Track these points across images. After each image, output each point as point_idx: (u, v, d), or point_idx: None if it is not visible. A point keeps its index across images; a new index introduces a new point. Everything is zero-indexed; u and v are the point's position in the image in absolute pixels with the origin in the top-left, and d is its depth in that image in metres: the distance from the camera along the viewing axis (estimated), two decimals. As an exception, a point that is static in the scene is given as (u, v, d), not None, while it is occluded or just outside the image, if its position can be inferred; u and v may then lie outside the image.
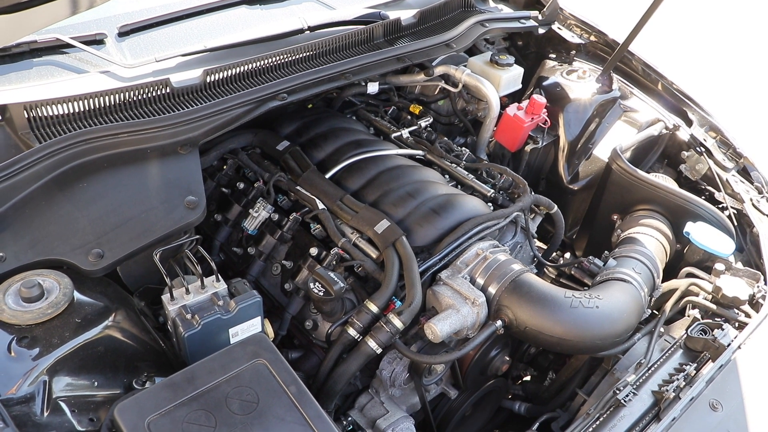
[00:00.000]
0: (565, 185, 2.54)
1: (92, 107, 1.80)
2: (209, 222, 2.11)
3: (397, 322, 1.70)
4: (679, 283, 2.07)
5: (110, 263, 1.58)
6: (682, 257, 2.21)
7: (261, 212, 1.99)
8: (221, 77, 1.95)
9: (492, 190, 2.15)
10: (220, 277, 1.63)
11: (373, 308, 1.73)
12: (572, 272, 2.16)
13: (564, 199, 2.56)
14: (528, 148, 2.48)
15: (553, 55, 2.77)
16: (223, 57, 2.04)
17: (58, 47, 1.91)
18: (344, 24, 2.27)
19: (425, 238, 1.91)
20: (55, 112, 1.76)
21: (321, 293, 1.70)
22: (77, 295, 1.53)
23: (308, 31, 2.21)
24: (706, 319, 1.97)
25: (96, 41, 1.97)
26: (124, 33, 2.03)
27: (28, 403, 1.34)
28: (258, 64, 2.00)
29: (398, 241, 1.83)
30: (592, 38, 2.75)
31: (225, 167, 2.15)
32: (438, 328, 1.69)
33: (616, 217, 2.33)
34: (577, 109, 2.50)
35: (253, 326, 1.68)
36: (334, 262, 1.84)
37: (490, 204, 2.12)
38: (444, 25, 2.49)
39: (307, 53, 2.10)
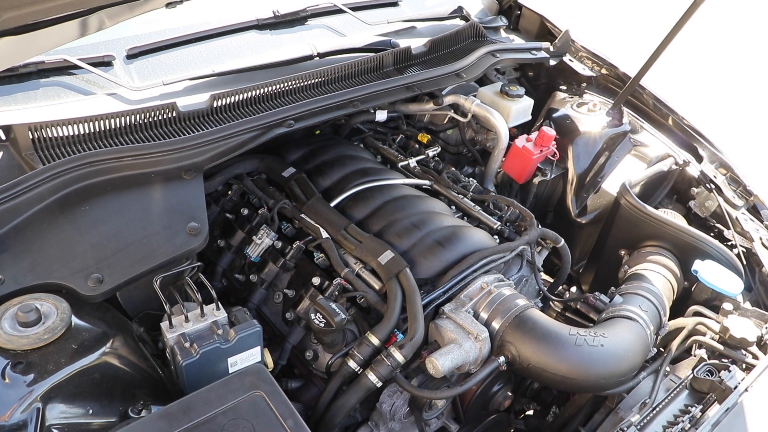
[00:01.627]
0: (573, 218, 2.51)
1: (97, 129, 1.79)
2: (212, 247, 2.09)
3: (399, 356, 1.67)
4: (686, 322, 2.03)
5: (110, 288, 1.56)
6: (689, 295, 2.17)
7: (264, 239, 1.98)
8: (228, 102, 1.94)
9: (498, 223, 2.13)
10: (220, 305, 1.60)
11: (375, 341, 1.71)
12: (578, 307, 2.13)
13: (571, 233, 2.53)
14: (536, 180, 2.46)
15: (564, 87, 2.76)
16: (231, 82, 2.04)
17: (65, 68, 1.92)
18: (354, 51, 2.27)
19: (429, 271, 1.89)
20: (60, 134, 1.76)
21: (322, 324, 1.68)
22: (75, 320, 1.51)
23: (318, 58, 2.21)
24: (712, 359, 1.93)
25: (104, 63, 1.97)
26: (133, 55, 2.03)
27: (20, 430, 1.32)
28: (266, 89, 2.00)
29: (402, 273, 1.80)
30: (603, 71, 2.74)
31: (230, 192, 2.14)
32: (440, 363, 1.66)
33: (623, 252, 2.30)
34: (587, 142, 2.48)
35: (252, 356, 1.65)
36: (337, 293, 1.82)
37: (496, 237, 2.09)
38: (454, 54, 2.49)
39: (316, 80, 2.10)
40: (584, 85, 2.71)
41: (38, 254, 1.58)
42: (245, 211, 2.08)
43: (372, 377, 1.67)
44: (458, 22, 2.70)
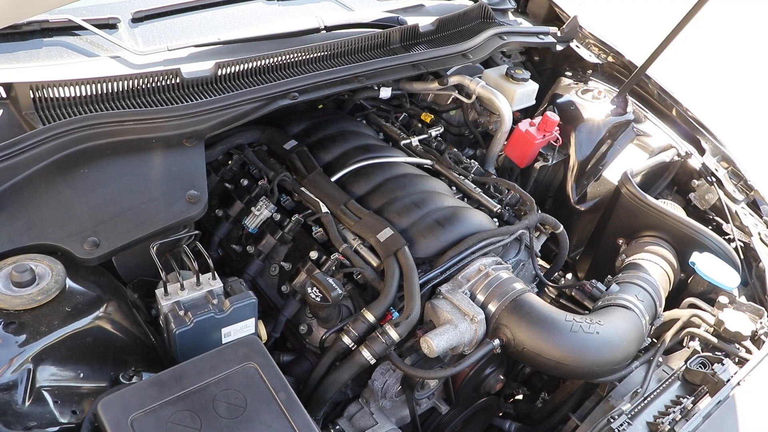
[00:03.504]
0: (572, 205, 2.51)
1: (100, 92, 1.77)
2: (210, 217, 2.08)
3: (393, 334, 1.66)
4: (681, 314, 2.03)
5: (106, 253, 1.54)
6: (685, 287, 2.17)
7: (263, 211, 1.96)
8: (233, 71, 1.92)
9: (498, 206, 2.12)
10: (216, 275, 1.59)
11: (370, 317, 1.70)
12: (573, 294, 2.13)
13: (570, 220, 2.52)
14: (537, 165, 2.45)
15: (569, 73, 2.74)
16: (236, 51, 2.01)
17: (69, 28, 1.88)
18: (361, 26, 2.24)
19: (428, 250, 1.88)
20: (62, 95, 1.73)
21: (318, 299, 1.67)
22: (69, 282, 1.49)
23: (324, 31, 2.18)
24: (706, 352, 1.94)
25: (109, 25, 1.94)
26: (138, 19, 2.00)
27: (9, 391, 1.31)
28: (271, 60, 1.97)
29: (400, 251, 1.79)
30: (610, 59, 2.72)
31: (230, 162, 2.12)
32: (434, 343, 1.66)
33: (621, 241, 2.30)
34: (590, 129, 2.47)
35: (246, 327, 1.64)
36: (334, 268, 1.81)
37: (495, 219, 2.08)
38: (462, 34, 2.46)
39: (322, 53, 2.07)
40: (590, 72, 2.68)
41: (35, 215, 1.56)
42: (245, 182, 2.06)
43: (366, 354, 1.66)
44: (467, 2, 2.67)
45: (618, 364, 1.75)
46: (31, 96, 1.71)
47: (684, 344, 2.02)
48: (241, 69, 1.93)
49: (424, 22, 2.37)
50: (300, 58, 2.03)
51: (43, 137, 1.62)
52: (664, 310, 2.05)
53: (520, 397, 2.39)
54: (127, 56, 1.90)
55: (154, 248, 1.56)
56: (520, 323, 1.73)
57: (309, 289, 1.68)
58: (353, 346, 1.70)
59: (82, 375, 1.42)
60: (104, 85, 1.76)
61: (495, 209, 2.11)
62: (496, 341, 1.73)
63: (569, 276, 2.44)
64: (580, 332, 1.71)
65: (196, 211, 1.65)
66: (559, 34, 2.68)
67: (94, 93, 1.76)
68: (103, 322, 1.49)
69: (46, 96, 1.71)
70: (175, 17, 2.06)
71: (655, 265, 2.11)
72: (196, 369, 1.39)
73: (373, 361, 1.67)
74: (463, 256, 1.86)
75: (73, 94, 1.74)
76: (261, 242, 1.96)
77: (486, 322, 1.76)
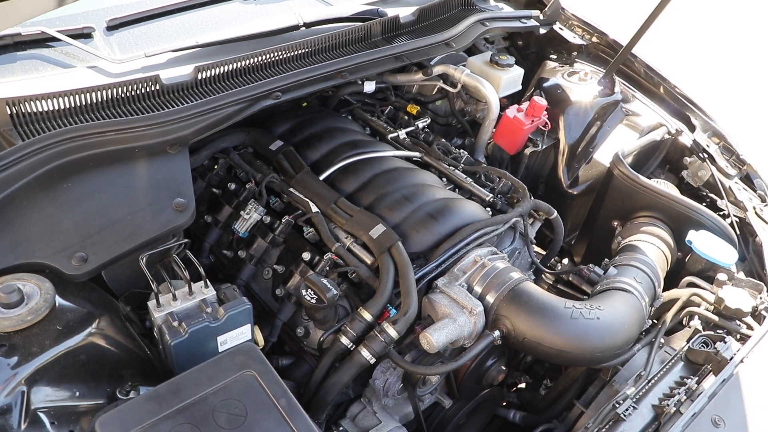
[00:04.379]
0: (565, 190, 2.49)
1: (79, 104, 1.73)
2: (199, 223, 2.05)
3: (392, 332, 1.64)
4: (681, 293, 2.02)
5: (94, 267, 1.51)
6: (683, 266, 2.16)
7: (252, 214, 1.93)
8: (213, 74, 1.88)
9: (491, 195, 2.10)
10: (209, 282, 1.57)
11: (367, 316, 1.68)
12: (570, 279, 2.12)
13: (563, 204, 2.51)
14: (527, 151, 2.43)
15: (554, 56, 2.72)
16: (215, 53, 1.97)
17: (43, 40, 1.84)
18: (341, 21, 2.21)
19: (422, 244, 1.85)
20: (40, 109, 1.69)
21: (313, 300, 1.64)
22: (59, 300, 1.46)
23: (304, 28, 2.14)
24: (707, 330, 1.93)
25: (83, 35, 1.90)
26: (113, 27, 1.95)
27: (4, 415, 1.28)
28: (251, 61, 1.93)
29: (394, 247, 1.77)
30: (594, 39, 2.70)
31: (216, 167, 2.09)
32: (434, 338, 1.64)
33: (616, 223, 2.28)
34: (578, 111, 2.45)
35: (242, 334, 1.62)
36: (327, 268, 1.78)
37: (488, 209, 2.06)
38: (443, 23, 2.42)
39: (303, 50, 2.04)
40: (575, 53, 2.66)
41: (19, 233, 1.53)
42: (232, 186, 2.03)
43: (365, 353, 1.64)
44: (447, -10, 2.63)
45: (620, 348, 1.74)
46: (8, 112, 1.66)
47: (685, 324, 2.01)
48: (222, 71, 1.89)
49: (405, 12, 2.34)
50: (281, 57, 1.99)
51: (22, 153, 1.58)
52: (663, 291, 2.04)
53: (522, 385, 2.38)
54: (105, 65, 1.86)
55: (144, 259, 1.53)
56: (519, 313, 1.71)
57: (303, 291, 1.65)
58: (352, 346, 1.68)
59: (78, 393, 1.39)
60: (83, 96, 1.72)
61: (487, 198, 2.08)
62: (497, 332, 1.71)
63: (566, 261, 2.42)
64: (580, 319, 1.69)
65: (183, 219, 1.62)
66: (541, 17, 2.65)
67: (73, 105, 1.72)
68: (96, 338, 1.47)
69: (23, 111, 1.67)
70: (150, 23, 2.01)
71: (651, 245, 2.10)
72: (193, 380, 1.36)
73: (372, 361, 1.65)
74: (458, 248, 1.83)
75: (51, 108, 1.70)
76: (252, 246, 1.93)
77: (485, 314, 1.74)
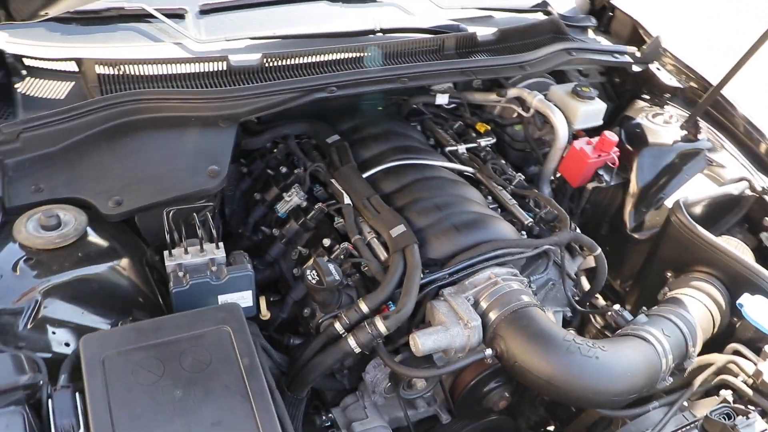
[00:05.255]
0: (628, 233, 2.36)
1: (154, 72, 1.96)
2: (251, 200, 2.20)
3: (381, 326, 1.67)
4: (716, 358, 1.85)
5: (125, 211, 1.70)
6: (733, 332, 1.97)
7: (293, 198, 2.04)
8: (279, 63, 2.04)
9: (530, 219, 2.05)
10: (221, 245, 1.70)
11: (364, 308, 1.72)
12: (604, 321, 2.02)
13: (625, 248, 2.38)
14: (590, 185, 2.34)
15: (647, 97, 2.59)
16: (288, 46, 2.13)
17: (142, 16, 2.10)
18: (418, 31, 2.28)
19: (439, 252, 1.86)
20: (121, 72, 1.93)
21: (314, 282, 1.71)
22: (90, 233, 1.66)
23: (380, 33, 2.24)
24: (738, 403, 1.75)
25: (177, 15, 2.13)
26: (205, 11, 2.18)
27: (15, 315, 1.48)
28: (317, 56, 2.07)
29: (408, 248, 1.80)
30: (693, 84, 2.54)
31: (276, 151, 2.23)
32: (420, 342, 1.64)
33: (669, 274, 2.13)
34: (655, 154, 2.32)
35: (243, 299, 1.73)
36: (342, 256, 1.85)
37: (523, 232, 2.02)
38: (526, 47, 2.41)
39: (368, 53, 2.13)
40: (667, 95, 2.52)
41: (76, 172, 1.76)
42: (284, 170, 2.16)
43: (351, 342, 1.68)
44: (540, 17, 2.62)
45: (618, 395, 1.63)
46: (97, 71, 1.93)
47: (718, 392, 1.83)
48: (287, 62, 2.04)
49: (486, 31, 2.36)
50: (346, 56, 2.10)
51: (97, 106, 1.82)
52: (704, 353, 1.88)
53: (551, 428, 2.28)
54: (188, 43, 2.09)
55: (170, 213, 1.70)
56: (515, 335, 1.66)
57: (308, 271, 1.73)
58: (344, 333, 1.72)
59: (84, 315, 1.57)
60: (159, 66, 1.95)
61: (526, 222, 2.05)
62: (488, 351, 1.68)
63: (616, 307, 2.29)
64: (576, 354, 1.61)
65: (213, 184, 1.77)
66: (638, 54, 2.55)
67: (150, 73, 1.95)
68: (111, 273, 1.64)
69: (108, 72, 1.93)
70: (239, 12, 2.22)
71: (697, 302, 1.94)
72: (174, 323, 1.49)
73: (357, 350, 1.69)
74: (473, 261, 1.82)
75: (131, 72, 1.94)
76: (285, 227, 2.04)
77: (483, 330, 1.72)
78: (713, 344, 1.95)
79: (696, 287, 1.99)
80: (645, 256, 2.33)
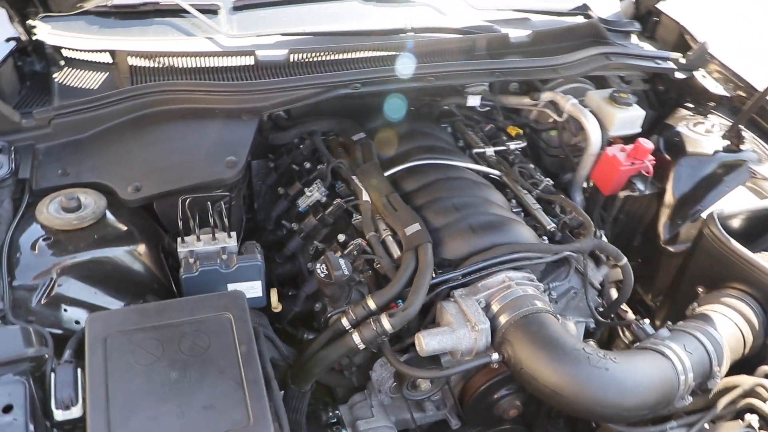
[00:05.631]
0: (661, 245, 2.26)
1: (183, 65, 2.01)
2: (274, 194, 2.23)
3: (386, 324, 1.65)
4: (744, 380, 1.73)
5: (143, 197, 1.74)
6: (766, 354, 1.85)
7: (314, 193, 2.05)
8: (305, 59, 2.06)
9: (553, 225, 2.00)
10: (233, 235, 1.72)
11: (371, 304, 1.70)
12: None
13: (658, 261, 2.28)
14: (622, 194, 2.25)
15: (691, 105, 2.48)
16: (319, 42, 2.15)
17: (177, 11, 2.16)
18: (449, 31, 2.26)
19: (454, 253, 1.83)
20: (151, 64, 1.99)
21: (322, 275, 1.71)
22: (110, 217, 1.72)
23: (411, 32, 2.23)
24: (764, 429, 1.64)
25: (210, 10, 2.19)
26: (238, 7, 2.23)
27: (30, 291, 1.54)
28: (343, 53, 2.08)
29: (421, 247, 1.77)
30: (740, 92, 2.41)
31: (302, 146, 2.25)
32: (425, 341, 1.61)
33: (701, 289, 2.02)
34: (693, 164, 2.22)
35: (253, 288, 1.74)
36: (355, 252, 1.84)
37: (544, 238, 1.97)
38: (562, 50, 2.35)
39: (397, 51, 2.13)
40: (712, 104, 2.41)
41: (102, 159, 1.82)
42: (308, 165, 2.17)
43: (356, 338, 1.67)
44: (579, 20, 2.55)
45: (627, 410, 1.55)
46: (129, 63, 1.99)
47: (743, 416, 1.73)
48: (313, 58, 2.06)
49: (520, 33, 2.32)
50: (373, 54, 2.10)
51: (125, 96, 1.89)
52: (732, 374, 1.78)
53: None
54: (220, 38, 2.13)
55: (187, 201, 1.74)
56: (523, 340, 1.61)
57: (318, 265, 1.73)
58: (350, 328, 1.71)
59: (96, 295, 1.62)
60: (188, 59, 2.01)
61: (549, 227, 1.99)
62: (495, 355, 1.63)
63: (646, 321, 2.20)
64: (585, 363, 1.55)
65: (229, 174, 1.79)
66: (683, 60, 2.44)
67: (179, 65, 2.00)
68: (125, 257, 1.69)
69: (139, 63, 1.99)
70: (272, 8, 2.26)
71: (727, 320, 1.83)
72: (178, 307, 1.52)
73: (361, 346, 1.67)
74: (487, 264, 1.78)
75: (160, 64, 2.00)
76: (304, 221, 2.05)
77: (492, 334, 1.67)
78: (744, 366, 1.84)
79: (727, 304, 1.88)
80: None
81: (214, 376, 1.38)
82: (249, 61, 2.02)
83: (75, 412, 1.33)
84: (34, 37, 2.04)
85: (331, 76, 2.00)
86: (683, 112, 2.43)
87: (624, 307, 2.37)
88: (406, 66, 2.06)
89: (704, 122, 2.30)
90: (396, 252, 1.84)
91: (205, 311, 1.50)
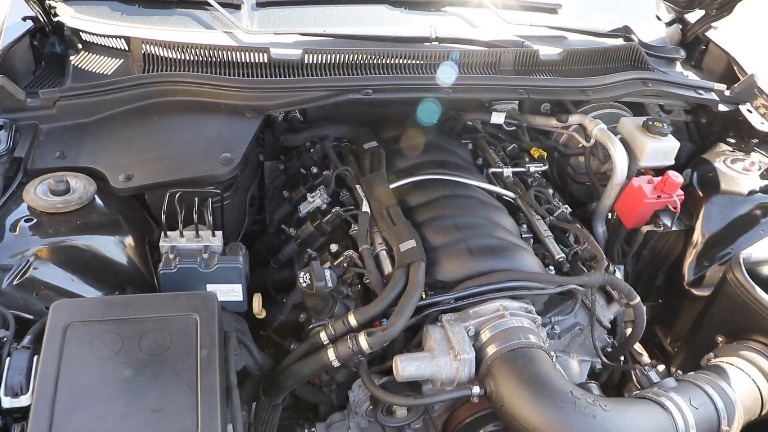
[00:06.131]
0: (685, 287, 2.09)
1: (196, 57, 1.98)
2: (280, 197, 2.17)
3: (363, 343, 1.55)
4: (756, 445, 1.57)
5: (133, 186, 1.71)
6: (787, 417, 1.67)
7: (316, 199, 1.98)
8: (319, 61, 2.00)
9: (562, 255, 1.87)
10: (218, 234, 1.66)
11: (352, 321, 1.61)
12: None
13: (680, 303, 2.12)
14: (644, 228, 2.09)
15: (733, 141, 2.30)
16: (337, 44, 2.08)
17: (200, 3, 2.13)
18: (475, 43, 2.16)
19: (449, 274, 1.72)
20: (164, 54, 1.97)
21: (304, 285, 1.63)
22: (98, 204, 1.69)
23: (435, 42, 2.14)
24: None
25: (233, 5, 2.15)
26: (261, 4, 2.19)
27: (4, 271, 1.51)
28: (359, 57, 2.01)
29: (414, 265, 1.67)
30: (788, 131, 2.23)
31: (312, 150, 2.19)
32: (401, 366, 1.52)
33: (720, 339, 1.85)
34: (726, 203, 2.05)
35: (233, 291, 1.68)
36: (345, 264, 1.76)
37: (551, 267, 1.84)
38: (595, 72, 2.22)
39: (417, 61, 2.04)
40: (755, 141, 2.23)
41: (100, 144, 1.80)
42: (314, 170, 2.11)
43: (330, 354, 1.58)
44: (618, 42, 2.40)
45: (612, 464, 1.41)
46: (142, 50, 1.97)
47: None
48: (329, 60, 1.99)
49: (551, 51, 2.20)
50: (392, 61, 2.03)
51: (132, 83, 1.87)
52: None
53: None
54: (238, 34, 2.10)
55: (176, 195, 1.69)
56: (507, 376, 1.49)
57: (301, 274, 1.65)
58: (327, 343, 1.63)
59: (73, 282, 1.58)
60: (201, 51, 1.97)
61: (557, 257, 1.86)
62: (476, 389, 1.52)
63: (661, 367, 2.03)
64: (570, 408, 1.42)
65: (223, 171, 1.74)
66: (728, 92, 2.27)
67: (191, 57, 1.97)
68: (106, 246, 1.65)
69: (152, 52, 1.97)
70: (295, 8, 2.21)
71: (744, 375, 1.66)
72: (146, 303, 1.47)
73: (336, 364, 1.58)
74: (482, 290, 1.66)
75: (173, 55, 1.97)
76: (302, 227, 1.98)
77: (477, 365, 1.56)
78: (759, 428, 1.66)
79: (746, 358, 1.71)
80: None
81: (168, 379, 1.32)
82: (263, 58, 1.97)
83: (24, 400, 1.29)
84: (56, 19, 2.05)
85: (344, 79, 1.93)
86: (723, 147, 2.26)
87: (640, 349, 2.22)
88: (422, 75, 1.97)
89: (743, 159, 2.13)
90: (388, 268, 1.74)
91: (172, 310, 1.45)
